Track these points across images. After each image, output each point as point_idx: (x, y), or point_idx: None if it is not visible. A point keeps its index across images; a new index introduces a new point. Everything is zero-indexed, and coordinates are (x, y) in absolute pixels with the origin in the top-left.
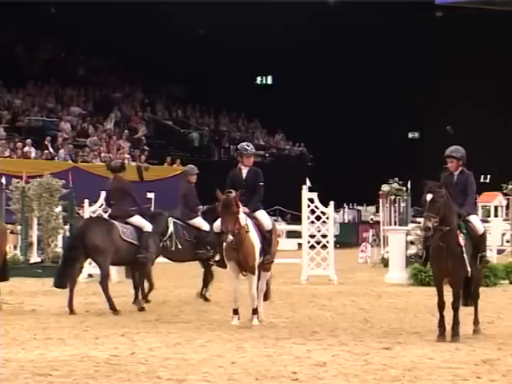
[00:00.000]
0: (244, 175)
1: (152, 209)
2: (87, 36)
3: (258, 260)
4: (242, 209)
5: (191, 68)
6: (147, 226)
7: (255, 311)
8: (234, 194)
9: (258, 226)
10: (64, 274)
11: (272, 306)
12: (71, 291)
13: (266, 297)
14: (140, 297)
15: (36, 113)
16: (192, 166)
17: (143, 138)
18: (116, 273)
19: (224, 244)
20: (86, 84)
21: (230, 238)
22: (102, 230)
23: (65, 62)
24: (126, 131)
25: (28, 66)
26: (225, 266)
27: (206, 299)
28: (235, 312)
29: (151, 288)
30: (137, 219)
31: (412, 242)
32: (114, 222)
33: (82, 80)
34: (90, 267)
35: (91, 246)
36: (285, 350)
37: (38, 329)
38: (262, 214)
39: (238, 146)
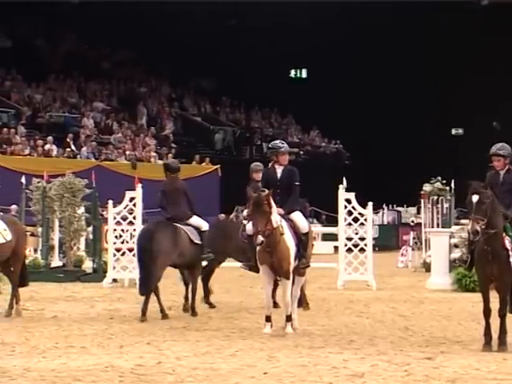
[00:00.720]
0: (279, 174)
1: None
2: (111, 27)
3: (292, 264)
4: (277, 210)
5: (221, 60)
6: (205, 225)
7: (289, 318)
8: (266, 192)
9: (294, 228)
10: (145, 280)
11: (307, 312)
12: (148, 297)
13: (300, 303)
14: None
15: (57, 108)
16: (257, 163)
17: (170, 134)
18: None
19: (257, 247)
20: (110, 78)
21: (260, 238)
22: (169, 233)
23: (88, 54)
24: (153, 128)
25: (49, 60)
26: (257, 271)
27: (211, 305)
28: (268, 319)
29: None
30: (195, 219)
31: (456, 246)
32: (178, 225)
33: (106, 74)
34: (113, 272)
35: (158, 250)
36: (320, 359)
37: (60, 336)
38: (297, 216)
39: (272, 144)
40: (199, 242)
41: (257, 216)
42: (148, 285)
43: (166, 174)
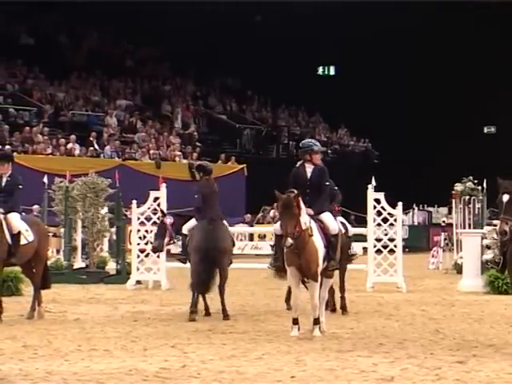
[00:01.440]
0: (309, 174)
1: None
2: (135, 24)
3: (321, 266)
4: (306, 211)
5: (247, 57)
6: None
7: (317, 321)
8: (295, 193)
9: (323, 229)
10: (204, 279)
11: (335, 315)
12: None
13: (327, 305)
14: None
15: (80, 107)
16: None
17: (195, 133)
18: (166, 280)
19: (284, 248)
20: (134, 75)
21: (290, 241)
22: (226, 232)
23: (111, 52)
24: (177, 126)
25: (72, 57)
26: (285, 272)
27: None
28: (295, 322)
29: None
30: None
31: (488, 247)
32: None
33: (130, 71)
34: (137, 273)
35: (225, 249)
36: (348, 363)
37: (83, 339)
38: (327, 217)
39: (304, 143)
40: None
41: (286, 218)
42: (208, 284)
43: (199, 176)
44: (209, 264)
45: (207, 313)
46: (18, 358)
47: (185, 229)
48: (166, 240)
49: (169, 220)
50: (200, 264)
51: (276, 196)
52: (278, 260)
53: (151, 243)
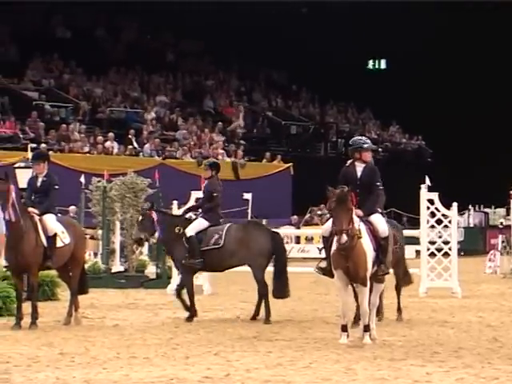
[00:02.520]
0: (359, 173)
1: (249, 212)
2: (176, 17)
3: (370, 270)
4: (355, 212)
5: (293, 51)
6: None
7: (367, 328)
8: (347, 188)
9: (372, 231)
10: (283, 283)
11: (386, 322)
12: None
13: (378, 312)
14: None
15: (118, 103)
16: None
17: (239, 130)
18: (209, 285)
19: (332, 249)
20: (175, 70)
21: (345, 238)
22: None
23: (151, 45)
24: (220, 123)
25: (110, 51)
26: (332, 276)
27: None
28: (344, 329)
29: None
30: None
31: None
32: None
33: (171, 66)
34: (178, 277)
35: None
36: (401, 372)
37: (122, 346)
38: (377, 219)
39: (354, 140)
40: None
41: (340, 213)
42: (287, 288)
43: (212, 173)
44: (284, 267)
45: (254, 317)
46: (54, 365)
47: (191, 230)
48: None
49: (154, 216)
50: (278, 268)
51: (328, 191)
52: (325, 262)
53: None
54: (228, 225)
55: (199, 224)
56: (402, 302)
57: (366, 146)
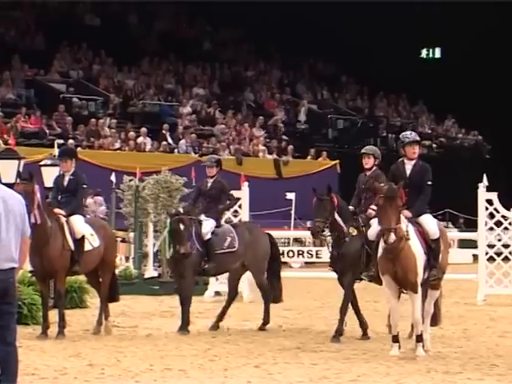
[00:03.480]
0: (408, 171)
1: (292, 213)
2: (213, 3)
3: (420, 275)
4: (403, 213)
5: (340, 39)
6: None
7: (420, 338)
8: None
9: (422, 233)
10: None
11: (441, 332)
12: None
13: (435, 321)
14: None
15: (152, 96)
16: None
17: (281, 125)
18: (249, 291)
19: (378, 253)
20: (212, 60)
21: (393, 237)
22: None
23: (186, 34)
24: (261, 117)
25: (142, 40)
26: (381, 282)
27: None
28: (395, 339)
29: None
30: None
31: None
32: None
33: (208, 55)
34: (216, 284)
35: None
36: None
37: (155, 357)
38: (427, 219)
39: (401, 135)
40: None
41: (388, 210)
42: (281, 292)
43: (217, 171)
44: (280, 271)
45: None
46: (83, 378)
47: (209, 233)
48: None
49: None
50: (275, 272)
51: (375, 187)
52: (371, 268)
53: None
54: (233, 226)
55: (212, 225)
56: (458, 310)
57: (408, 140)
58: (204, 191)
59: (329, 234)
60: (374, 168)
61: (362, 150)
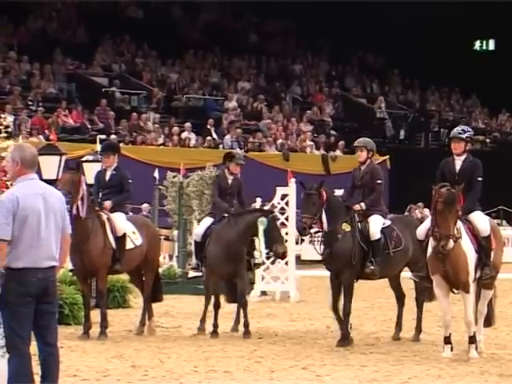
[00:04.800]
0: (457, 167)
1: None
2: None
3: (472, 275)
4: None
5: (390, 31)
6: None
7: (472, 340)
8: (448, 187)
9: (472, 231)
10: None
11: (495, 333)
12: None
13: (489, 322)
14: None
15: (196, 90)
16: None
17: (329, 119)
18: (296, 291)
19: (428, 253)
20: (259, 53)
21: (452, 243)
22: None
23: (232, 26)
24: (308, 112)
25: (187, 32)
26: (431, 282)
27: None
28: (447, 341)
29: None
30: None
31: None
32: None
33: (254, 48)
34: (262, 283)
35: None
36: None
37: (200, 359)
38: (477, 217)
39: (453, 130)
40: None
41: (448, 216)
42: None
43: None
44: None
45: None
46: (125, 379)
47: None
48: None
49: None
50: None
51: (434, 191)
52: (421, 269)
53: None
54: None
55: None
56: (508, 309)
57: (455, 135)
58: (224, 188)
59: (316, 230)
60: (368, 162)
61: (355, 143)
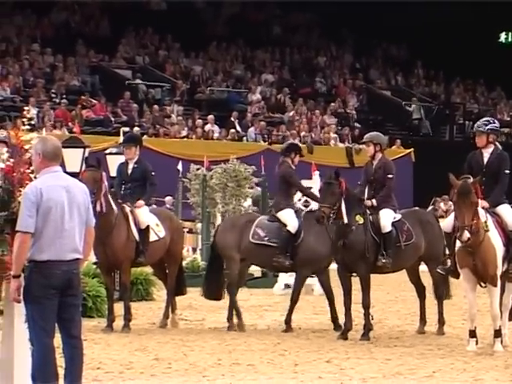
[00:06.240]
0: (485, 159)
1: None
2: None
3: (500, 268)
4: (481, 203)
5: (415, 22)
6: None
7: (498, 333)
8: (471, 180)
9: (500, 224)
10: None
11: None
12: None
13: None
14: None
15: (220, 82)
16: None
17: (354, 112)
18: (319, 284)
19: (456, 246)
20: (283, 45)
21: (467, 235)
22: None
23: (256, 18)
24: (332, 104)
25: (210, 24)
26: (458, 276)
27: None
28: (472, 334)
29: None
30: None
31: None
32: None
33: (277, 40)
34: (286, 276)
35: None
36: None
37: (223, 352)
38: (504, 210)
39: (477, 123)
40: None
41: (462, 207)
42: None
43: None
44: None
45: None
46: (149, 372)
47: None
48: None
49: None
50: None
51: (450, 181)
52: (449, 261)
53: None
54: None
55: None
56: None
57: (479, 128)
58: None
59: (332, 221)
60: (380, 156)
61: (364, 138)
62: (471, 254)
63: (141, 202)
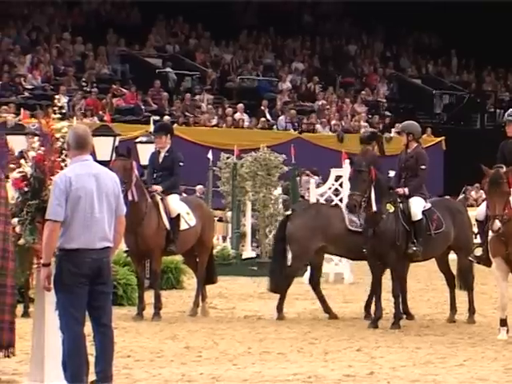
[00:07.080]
0: None
1: None
2: None
3: None
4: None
5: (446, 10)
6: None
7: None
8: (504, 169)
9: None
10: None
11: None
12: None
13: None
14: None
15: (250, 70)
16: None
17: (384, 100)
18: (350, 272)
19: (489, 235)
20: (313, 34)
21: (498, 224)
22: None
23: (286, 7)
24: (363, 92)
25: (240, 13)
26: (489, 264)
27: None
28: (503, 323)
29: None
30: None
31: None
32: None
33: (308, 29)
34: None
35: None
36: None
37: (253, 340)
38: None
39: (509, 111)
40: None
41: (494, 196)
42: None
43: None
44: None
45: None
46: (179, 360)
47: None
48: None
49: None
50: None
51: (483, 171)
52: (481, 250)
53: None
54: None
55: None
56: None
57: (509, 117)
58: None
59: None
60: (415, 146)
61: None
62: (504, 242)
63: (157, 186)
